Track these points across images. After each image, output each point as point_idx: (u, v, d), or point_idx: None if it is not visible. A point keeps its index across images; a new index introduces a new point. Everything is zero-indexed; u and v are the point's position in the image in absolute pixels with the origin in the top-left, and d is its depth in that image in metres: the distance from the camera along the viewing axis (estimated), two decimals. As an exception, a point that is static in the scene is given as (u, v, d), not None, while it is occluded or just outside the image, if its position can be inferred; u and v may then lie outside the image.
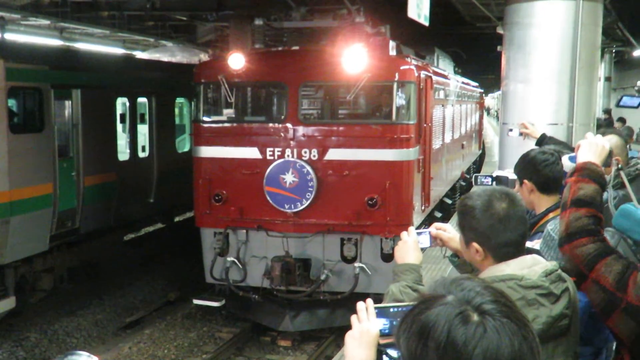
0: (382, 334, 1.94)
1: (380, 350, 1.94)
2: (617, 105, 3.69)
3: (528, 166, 3.57)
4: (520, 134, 5.52)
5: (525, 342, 1.45)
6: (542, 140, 5.46)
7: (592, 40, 8.01)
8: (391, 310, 1.97)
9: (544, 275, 2.38)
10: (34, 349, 10.10)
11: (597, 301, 2.37)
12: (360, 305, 2.00)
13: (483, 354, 1.42)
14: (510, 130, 5.29)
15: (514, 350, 1.43)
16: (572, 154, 3.06)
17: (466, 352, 1.42)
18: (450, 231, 2.92)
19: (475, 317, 1.46)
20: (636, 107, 3.68)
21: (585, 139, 2.79)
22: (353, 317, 2.00)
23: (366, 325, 1.95)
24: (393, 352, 1.89)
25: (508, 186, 4.17)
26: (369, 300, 2.01)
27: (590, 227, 2.45)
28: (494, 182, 4.33)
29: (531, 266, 2.42)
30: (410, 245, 2.84)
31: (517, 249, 2.46)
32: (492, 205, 2.45)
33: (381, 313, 1.97)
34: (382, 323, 1.95)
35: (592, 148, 2.71)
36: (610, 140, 4.47)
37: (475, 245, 2.49)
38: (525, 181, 3.54)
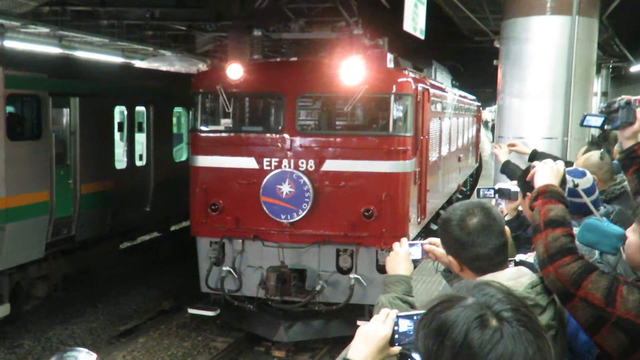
0: (407, 335, 2.05)
1: (405, 354, 2.05)
2: (581, 124, 3.70)
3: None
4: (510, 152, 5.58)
5: (540, 352, 1.48)
6: (534, 156, 5.48)
7: (587, 56, 8.06)
8: (414, 317, 2.07)
9: (530, 287, 2.43)
10: (27, 356, 10.09)
11: (585, 317, 2.38)
12: (384, 310, 2.12)
13: (497, 359, 1.45)
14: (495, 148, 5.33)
15: (527, 358, 1.46)
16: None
17: (481, 355, 1.46)
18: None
19: (493, 322, 1.50)
20: (599, 127, 3.66)
21: (541, 163, 2.89)
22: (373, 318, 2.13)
23: (379, 326, 2.05)
24: (416, 356, 1.95)
25: (510, 198, 4.22)
26: (394, 310, 2.13)
27: (570, 246, 2.49)
28: (496, 195, 4.38)
29: (517, 278, 2.46)
30: (402, 257, 2.88)
31: (490, 263, 2.49)
32: (464, 220, 2.51)
33: (405, 317, 2.09)
34: (407, 325, 2.07)
35: (550, 171, 2.80)
36: (590, 158, 4.57)
37: (451, 257, 2.57)
38: (528, 194, 3.57)
